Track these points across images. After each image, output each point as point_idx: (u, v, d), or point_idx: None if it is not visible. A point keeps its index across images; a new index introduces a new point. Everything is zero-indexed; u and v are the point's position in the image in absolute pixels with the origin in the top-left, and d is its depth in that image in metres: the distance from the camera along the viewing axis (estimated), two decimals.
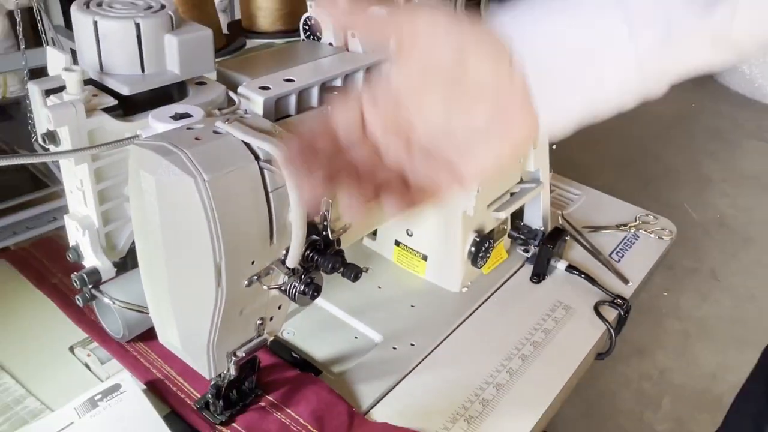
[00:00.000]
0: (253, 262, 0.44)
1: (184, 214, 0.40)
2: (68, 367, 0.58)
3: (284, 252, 0.45)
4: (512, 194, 0.73)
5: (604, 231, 0.83)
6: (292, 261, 0.44)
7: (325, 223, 0.48)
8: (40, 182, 0.87)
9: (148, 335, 0.59)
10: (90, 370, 0.58)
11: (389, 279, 0.72)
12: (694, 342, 1.67)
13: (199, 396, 0.55)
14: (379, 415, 0.56)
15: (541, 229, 0.74)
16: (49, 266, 0.67)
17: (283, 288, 0.47)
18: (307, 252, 0.47)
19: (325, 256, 0.47)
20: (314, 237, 0.47)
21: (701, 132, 2.66)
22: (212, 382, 0.52)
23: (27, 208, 0.76)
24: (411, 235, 0.72)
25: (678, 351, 1.64)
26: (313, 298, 0.47)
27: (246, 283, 0.44)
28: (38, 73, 0.91)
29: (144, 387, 0.56)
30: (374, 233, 0.77)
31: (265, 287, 0.45)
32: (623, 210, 0.89)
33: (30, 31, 0.89)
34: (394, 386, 0.59)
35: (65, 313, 0.62)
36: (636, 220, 0.85)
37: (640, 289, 0.75)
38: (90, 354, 0.59)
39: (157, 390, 0.56)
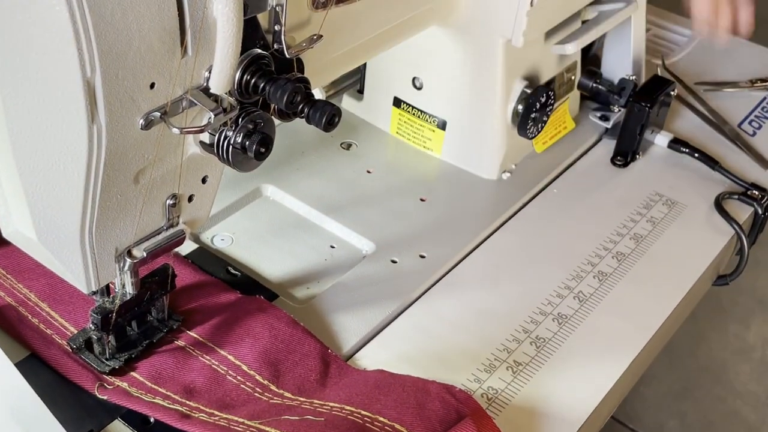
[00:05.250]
0: (152, 85, 0.40)
1: None
2: None
3: (207, 73, 0.42)
4: (584, 22, 0.71)
5: (729, 90, 0.81)
6: (218, 84, 0.41)
7: (277, 27, 0.44)
8: None
9: None
10: None
11: (386, 160, 0.70)
12: None
13: (76, 331, 0.52)
14: (369, 360, 0.54)
15: (632, 78, 0.71)
16: None
17: (208, 140, 0.44)
18: (247, 75, 0.43)
19: (275, 83, 0.43)
20: (258, 51, 0.44)
21: None
22: (95, 305, 0.48)
23: None
24: (420, 88, 0.69)
25: None
26: (259, 157, 0.45)
27: (142, 121, 0.40)
28: None
29: None
30: (360, 89, 0.74)
31: (175, 131, 0.41)
32: (760, 58, 0.86)
33: None
34: (394, 319, 0.57)
35: None
36: None
37: None
38: None
39: (5, 322, 0.53)
